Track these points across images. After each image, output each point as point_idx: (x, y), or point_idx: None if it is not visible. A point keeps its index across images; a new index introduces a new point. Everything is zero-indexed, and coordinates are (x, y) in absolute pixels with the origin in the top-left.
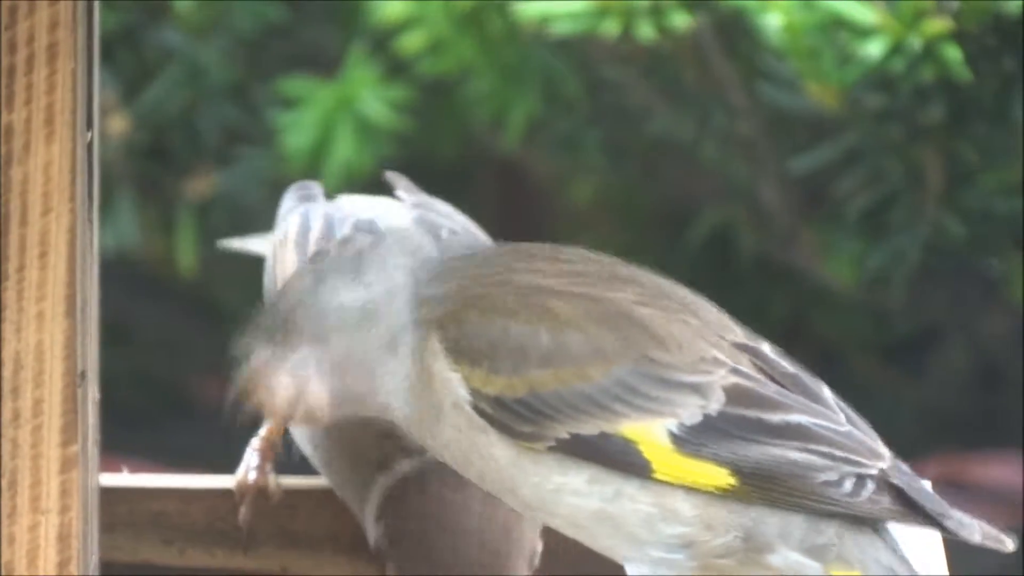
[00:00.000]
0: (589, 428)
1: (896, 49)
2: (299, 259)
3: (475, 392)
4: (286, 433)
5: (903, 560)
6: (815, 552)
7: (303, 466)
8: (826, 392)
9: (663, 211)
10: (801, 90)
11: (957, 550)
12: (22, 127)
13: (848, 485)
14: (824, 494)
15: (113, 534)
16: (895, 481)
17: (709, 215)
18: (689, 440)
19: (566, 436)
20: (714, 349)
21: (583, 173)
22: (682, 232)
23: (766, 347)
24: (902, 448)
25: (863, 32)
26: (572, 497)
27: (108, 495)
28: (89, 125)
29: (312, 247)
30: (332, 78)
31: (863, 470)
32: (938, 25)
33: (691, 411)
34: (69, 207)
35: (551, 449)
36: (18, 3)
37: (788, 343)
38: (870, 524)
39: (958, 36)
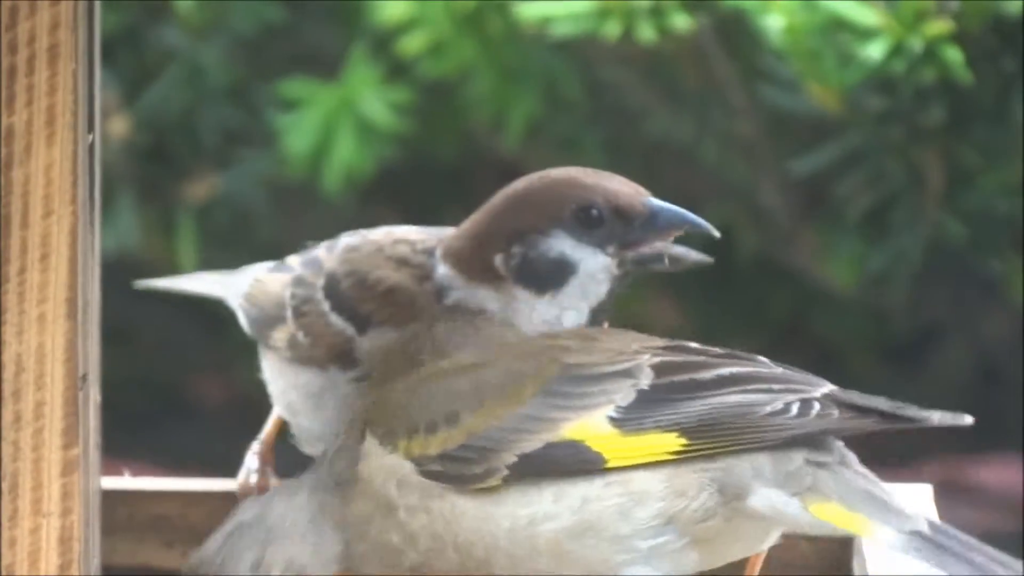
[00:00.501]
0: (533, 443)
1: (897, 50)
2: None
3: (420, 459)
4: (286, 436)
5: (877, 484)
6: (790, 482)
7: (304, 468)
8: (761, 358)
9: None
10: (802, 91)
11: None
12: (23, 129)
13: (794, 409)
14: (774, 423)
15: (114, 537)
16: (845, 399)
17: (709, 215)
18: (629, 419)
19: (515, 459)
20: (636, 344)
21: None
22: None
23: (693, 344)
24: (902, 449)
25: (864, 33)
26: (546, 523)
27: (109, 498)
28: (90, 127)
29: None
30: (333, 79)
31: (806, 395)
32: (939, 26)
33: (624, 393)
34: (70, 209)
35: (507, 481)
36: (19, 4)
37: (788, 343)
38: (838, 455)
39: (959, 37)
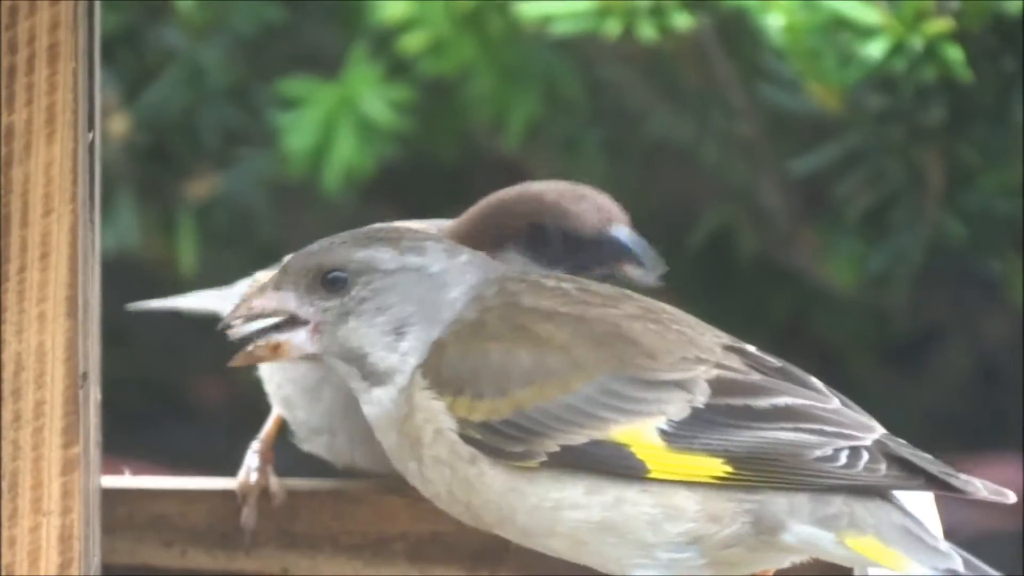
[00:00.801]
0: (578, 438)
1: (897, 49)
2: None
3: (462, 421)
4: (285, 434)
5: (915, 520)
6: (826, 522)
7: (304, 468)
8: (814, 380)
9: (663, 212)
10: (802, 91)
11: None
12: (23, 128)
13: (843, 458)
14: (820, 469)
15: (114, 536)
16: (892, 450)
17: (709, 216)
18: (680, 435)
19: (557, 449)
20: (697, 350)
21: (583, 174)
22: (682, 233)
23: (751, 348)
24: None
25: (864, 32)
26: (572, 511)
27: (109, 497)
28: (90, 126)
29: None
30: (333, 79)
31: (856, 442)
32: (939, 25)
33: (678, 407)
34: (70, 208)
35: (544, 465)
36: (19, 3)
37: (788, 344)
38: (876, 490)
39: (959, 36)
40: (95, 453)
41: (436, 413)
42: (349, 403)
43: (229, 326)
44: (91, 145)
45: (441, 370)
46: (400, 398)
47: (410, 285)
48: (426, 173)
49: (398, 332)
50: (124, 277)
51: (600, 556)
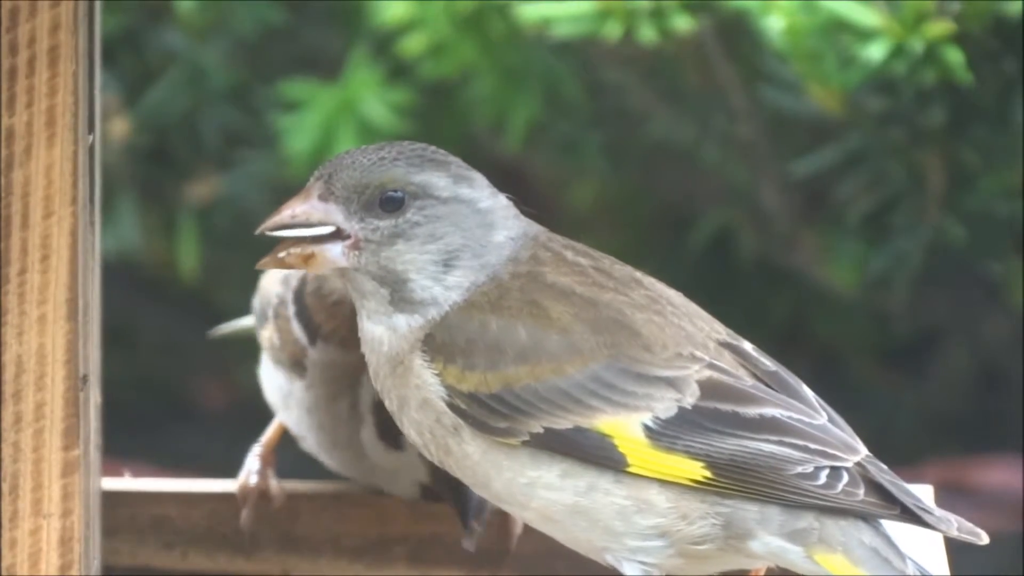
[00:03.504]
0: (563, 423)
1: (897, 52)
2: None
3: (450, 389)
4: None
5: (886, 540)
6: (796, 536)
7: (304, 470)
8: (806, 390)
9: (664, 214)
10: (803, 93)
11: (958, 549)
12: (23, 130)
13: (823, 477)
14: (798, 486)
15: (115, 538)
16: (873, 475)
17: (710, 217)
18: (664, 433)
19: (540, 431)
20: (693, 347)
21: (584, 176)
22: (683, 234)
23: (748, 346)
24: (902, 451)
25: (864, 35)
26: (545, 491)
27: (110, 499)
28: (91, 128)
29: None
30: (334, 81)
31: (837, 463)
32: (939, 27)
33: (666, 404)
34: (71, 210)
35: (525, 444)
36: (19, 5)
37: (788, 346)
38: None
39: (959, 38)
40: (95, 455)
41: (425, 380)
42: (312, 416)
43: (266, 232)
44: (91, 147)
45: (435, 335)
46: (411, 334)
47: (462, 217)
48: None
49: (447, 264)
50: (125, 279)
51: (569, 535)
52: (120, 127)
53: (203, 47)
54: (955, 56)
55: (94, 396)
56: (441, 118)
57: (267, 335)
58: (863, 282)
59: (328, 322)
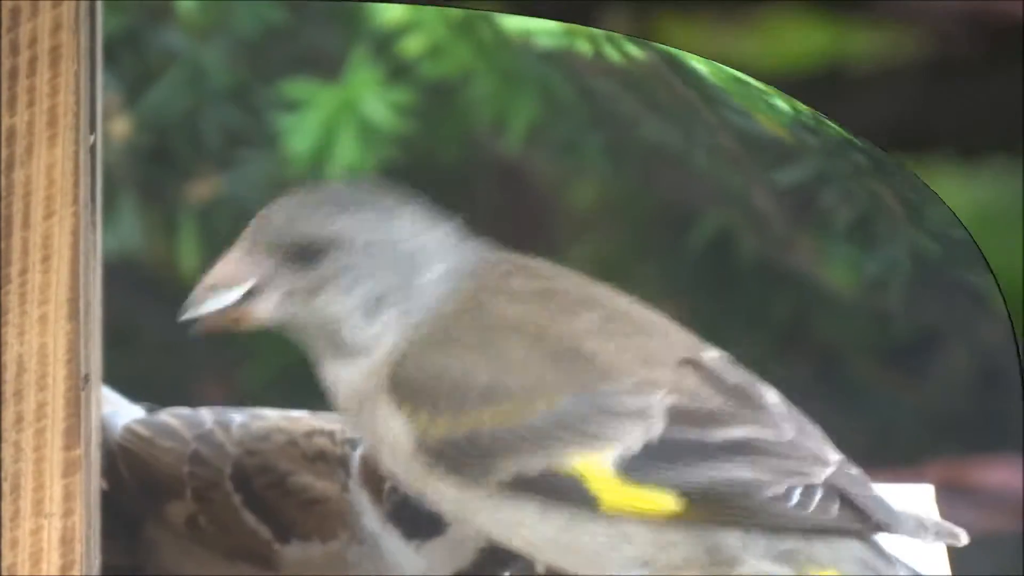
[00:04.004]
0: (534, 464)
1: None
2: None
3: (421, 434)
4: None
5: (876, 550)
6: (783, 558)
7: None
8: (770, 399)
9: (664, 214)
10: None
11: (958, 549)
12: (25, 130)
13: (795, 496)
14: (772, 509)
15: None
16: (843, 488)
17: (709, 218)
18: (633, 468)
19: (510, 476)
20: (652, 369)
21: (584, 176)
22: (683, 235)
23: (712, 355)
24: (902, 451)
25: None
26: (525, 529)
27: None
28: (92, 128)
29: None
30: (334, 81)
31: (809, 480)
32: None
33: (633, 437)
34: (72, 210)
35: (499, 485)
36: (20, 5)
37: (788, 346)
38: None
39: None
40: (96, 455)
41: (395, 426)
42: None
43: (193, 303)
44: (93, 147)
45: (401, 377)
46: (368, 378)
47: (384, 261)
48: (427, 175)
49: (373, 310)
50: (126, 279)
51: (555, 564)
52: (121, 127)
53: (204, 47)
54: None
55: (95, 396)
56: (441, 118)
57: (181, 513)
58: (861, 283)
59: (306, 522)
